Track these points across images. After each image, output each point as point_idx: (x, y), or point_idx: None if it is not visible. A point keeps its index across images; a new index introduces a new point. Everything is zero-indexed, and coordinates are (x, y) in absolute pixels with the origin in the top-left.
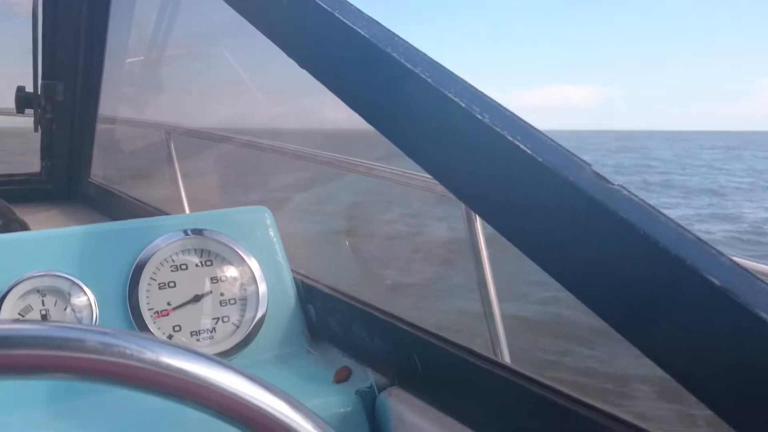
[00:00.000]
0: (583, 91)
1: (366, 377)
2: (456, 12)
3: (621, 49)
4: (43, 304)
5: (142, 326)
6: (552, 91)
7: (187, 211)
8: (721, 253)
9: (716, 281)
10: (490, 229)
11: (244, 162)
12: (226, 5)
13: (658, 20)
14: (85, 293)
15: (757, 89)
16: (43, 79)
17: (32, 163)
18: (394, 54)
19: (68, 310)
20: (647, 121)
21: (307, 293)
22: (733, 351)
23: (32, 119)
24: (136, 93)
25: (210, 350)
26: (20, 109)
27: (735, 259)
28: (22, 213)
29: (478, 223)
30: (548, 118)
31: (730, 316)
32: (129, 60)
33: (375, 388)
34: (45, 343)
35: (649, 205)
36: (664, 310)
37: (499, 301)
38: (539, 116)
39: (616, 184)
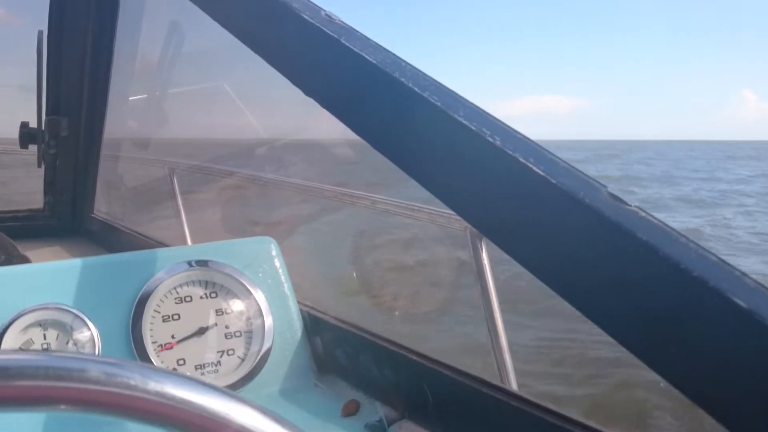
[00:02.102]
0: (560, 102)
1: (375, 411)
2: (435, 21)
3: (594, 61)
4: (45, 338)
5: (145, 359)
6: (529, 101)
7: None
8: (746, 275)
9: (742, 303)
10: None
11: (249, 195)
12: (231, 36)
13: (634, 32)
14: (88, 326)
15: (736, 100)
16: (47, 114)
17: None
18: (402, 79)
19: (70, 343)
20: (624, 130)
21: (314, 325)
22: (758, 374)
23: (36, 155)
24: (140, 129)
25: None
26: (24, 144)
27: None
28: (25, 249)
29: (485, 251)
30: (524, 128)
31: (756, 339)
32: (132, 97)
33: (385, 421)
34: (46, 373)
35: (669, 226)
36: (685, 333)
37: (505, 328)
38: (517, 126)
39: (633, 204)
